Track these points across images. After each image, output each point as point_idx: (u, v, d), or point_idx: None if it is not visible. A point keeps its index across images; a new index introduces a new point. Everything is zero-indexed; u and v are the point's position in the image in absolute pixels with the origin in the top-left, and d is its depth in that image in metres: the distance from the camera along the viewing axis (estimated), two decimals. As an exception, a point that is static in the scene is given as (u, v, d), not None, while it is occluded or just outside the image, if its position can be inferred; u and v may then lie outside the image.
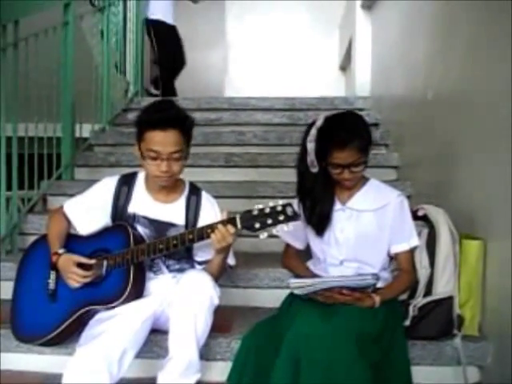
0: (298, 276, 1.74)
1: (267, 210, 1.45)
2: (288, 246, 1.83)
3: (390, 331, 1.50)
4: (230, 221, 1.49)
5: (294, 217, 1.45)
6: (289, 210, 1.44)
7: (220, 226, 1.49)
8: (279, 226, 1.47)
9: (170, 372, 1.45)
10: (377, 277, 1.51)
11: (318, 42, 6.02)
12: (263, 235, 1.47)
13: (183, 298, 1.44)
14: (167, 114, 1.57)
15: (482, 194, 1.74)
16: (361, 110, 3.75)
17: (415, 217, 1.72)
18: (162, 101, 1.83)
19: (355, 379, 1.32)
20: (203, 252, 1.67)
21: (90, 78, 3.25)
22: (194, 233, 1.53)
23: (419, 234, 1.69)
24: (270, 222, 1.45)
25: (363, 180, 1.69)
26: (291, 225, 1.48)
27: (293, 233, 1.68)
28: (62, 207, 1.74)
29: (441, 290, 1.61)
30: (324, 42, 5.99)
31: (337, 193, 1.67)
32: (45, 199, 2.71)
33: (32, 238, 2.24)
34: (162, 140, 1.55)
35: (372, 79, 3.86)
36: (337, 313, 1.45)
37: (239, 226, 1.48)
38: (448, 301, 1.61)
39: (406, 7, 2.90)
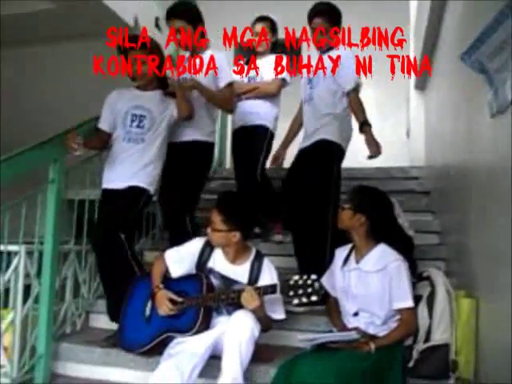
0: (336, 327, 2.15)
1: (300, 282, 1.91)
2: (329, 295, 2.25)
3: (385, 367, 1.87)
4: (272, 286, 2.00)
5: (319, 291, 1.88)
6: (316, 285, 1.88)
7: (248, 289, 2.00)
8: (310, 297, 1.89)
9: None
10: (359, 331, 1.92)
11: (388, 113, 6.41)
12: (295, 301, 1.90)
13: (232, 330, 1.96)
14: (218, 197, 2.21)
15: (478, 260, 2.07)
16: (416, 178, 4.12)
17: (421, 278, 2.12)
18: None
19: None
20: None
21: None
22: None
23: (424, 291, 2.06)
24: (300, 292, 1.89)
25: (373, 243, 2.10)
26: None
27: (331, 282, 2.16)
28: (163, 254, 2.31)
29: (438, 337, 1.95)
30: (394, 112, 6.38)
31: (353, 253, 2.13)
32: (142, 253, 3.36)
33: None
34: (211, 215, 2.20)
35: (425, 150, 4.22)
36: (332, 356, 1.85)
37: (278, 292, 1.96)
38: (444, 347, 1.94)
39: (440, 91, 3.30)
